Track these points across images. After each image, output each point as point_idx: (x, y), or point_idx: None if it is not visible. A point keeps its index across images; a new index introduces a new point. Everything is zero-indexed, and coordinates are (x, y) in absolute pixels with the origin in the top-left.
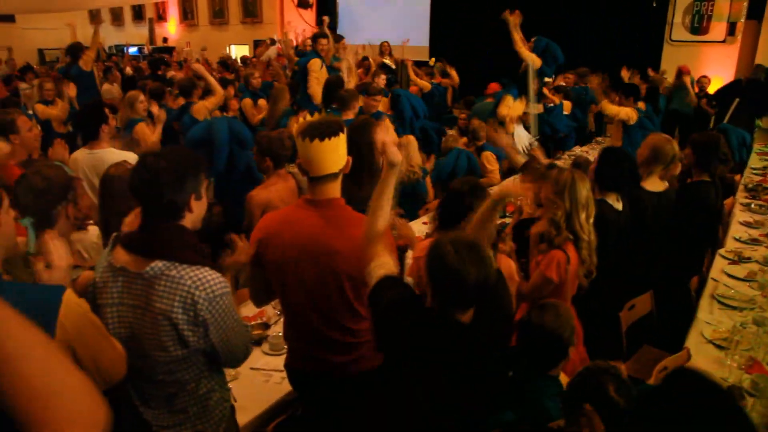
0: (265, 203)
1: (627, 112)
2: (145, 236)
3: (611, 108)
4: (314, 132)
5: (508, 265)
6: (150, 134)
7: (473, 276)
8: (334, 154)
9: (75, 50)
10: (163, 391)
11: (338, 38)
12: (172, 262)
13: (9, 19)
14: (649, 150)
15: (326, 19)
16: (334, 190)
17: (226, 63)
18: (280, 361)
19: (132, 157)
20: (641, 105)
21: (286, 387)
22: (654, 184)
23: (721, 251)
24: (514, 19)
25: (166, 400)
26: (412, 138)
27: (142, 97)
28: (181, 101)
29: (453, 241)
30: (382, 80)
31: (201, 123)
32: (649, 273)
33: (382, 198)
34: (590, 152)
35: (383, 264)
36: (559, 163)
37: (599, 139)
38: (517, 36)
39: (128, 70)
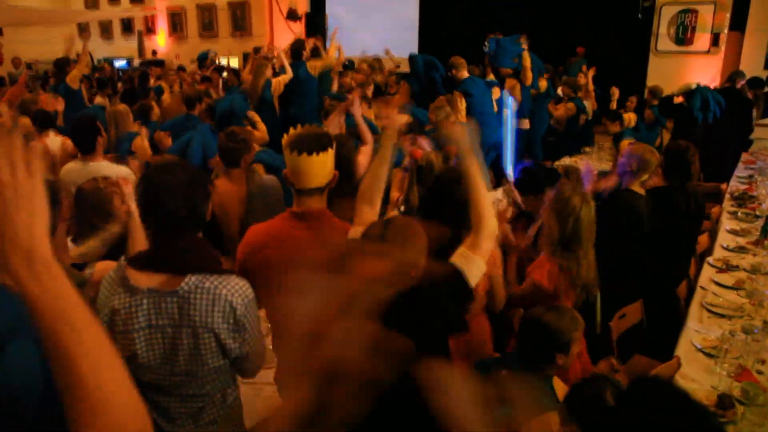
0: None
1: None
2: (173, 253)
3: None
4: (302, 145)
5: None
6: (147, 148)
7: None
8: (322, 168)
9: (62, 65)
10: (191, 407)
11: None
12: (204, 274)
13: None
14: (635, 160)
15: (319, 42)
16: (320, 202)
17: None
18: (271, 374)
19: (125, 171)
20: (633, 117)
21: (277, 401)
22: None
23: (709, 259)
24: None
25: (194, 414)
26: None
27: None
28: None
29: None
30: (369, 89)
31: (182, 138)
32: (638, 280)
33: (382, 167)
34: (578, 162)
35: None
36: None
37: (587, 149)
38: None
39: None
